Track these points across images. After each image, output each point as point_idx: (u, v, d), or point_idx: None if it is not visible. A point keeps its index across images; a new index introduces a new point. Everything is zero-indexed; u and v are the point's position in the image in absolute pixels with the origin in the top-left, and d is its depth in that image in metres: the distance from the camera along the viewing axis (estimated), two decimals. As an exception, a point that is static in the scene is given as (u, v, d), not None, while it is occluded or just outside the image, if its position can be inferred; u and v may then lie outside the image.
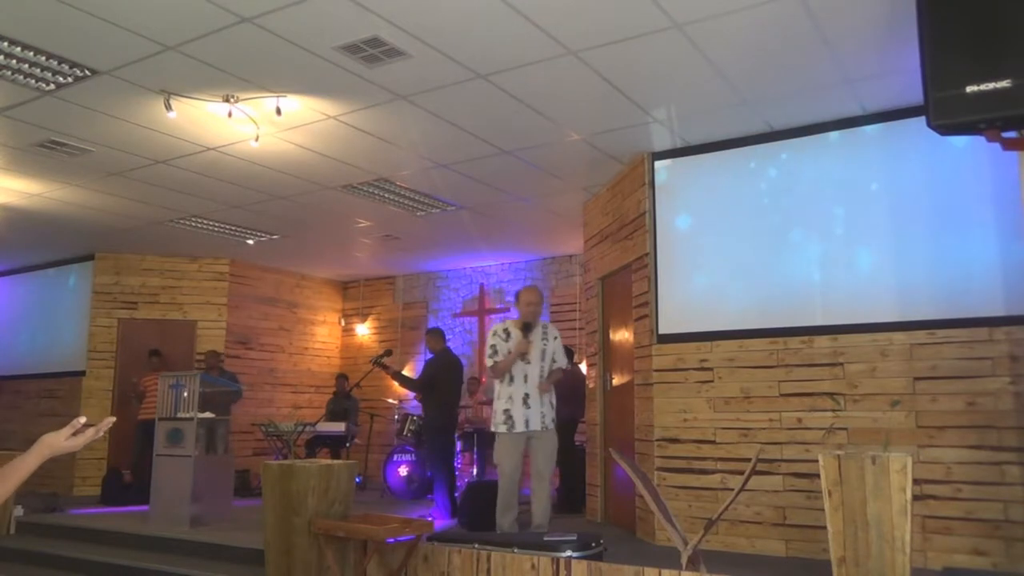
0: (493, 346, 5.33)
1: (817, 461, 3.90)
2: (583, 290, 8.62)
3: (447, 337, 7.93)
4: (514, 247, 9.74)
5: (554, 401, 5.42)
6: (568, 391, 7.02)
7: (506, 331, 5.37)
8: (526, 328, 5.33)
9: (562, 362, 5.50)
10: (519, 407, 5.21)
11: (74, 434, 1.93)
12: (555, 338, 5.46)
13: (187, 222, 8.36)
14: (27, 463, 1.89)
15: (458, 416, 8.00)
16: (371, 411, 10.09)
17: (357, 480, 7.34)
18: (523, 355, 5.26)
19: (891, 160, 5.26)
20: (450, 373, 7.43)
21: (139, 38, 4.36)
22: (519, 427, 5.19)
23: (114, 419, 2.08)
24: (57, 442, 1.92)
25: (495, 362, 5.30)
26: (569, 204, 7.69)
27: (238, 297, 10.40)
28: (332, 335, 11.95)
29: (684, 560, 3.71)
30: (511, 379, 5.27)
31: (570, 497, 7.52)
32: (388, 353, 8.55)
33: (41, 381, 10.16)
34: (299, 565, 4.39)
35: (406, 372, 9.88)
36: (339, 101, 5.24)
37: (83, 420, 1.96)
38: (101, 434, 1.96)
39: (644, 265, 6.12)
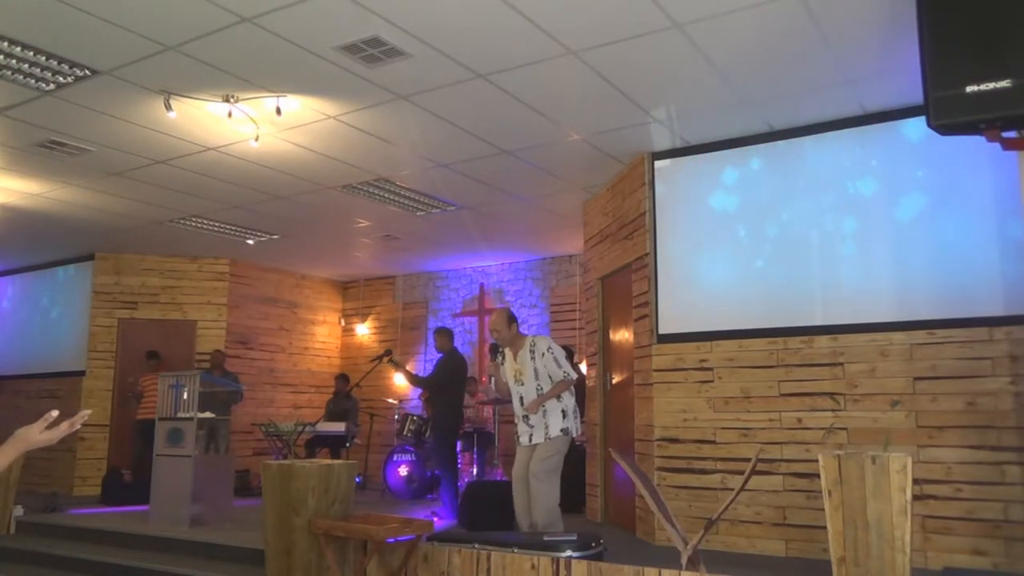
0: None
1: (817, 461, 3.90)
2: (583, 290, 8.61)
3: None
4: (514, 247, 9.74)
5: (567, 409, 5.15)
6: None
7: (502, 353, 5.46)
8: (492, 351, 5.58)
9: (557, 374, 5.12)
10: (522, 424, 5.26)
11: (48, 427, 1.95)
12: (543, 354, 5.15)
13: (187, 222, 8.36)
14: (3, 456, 1.92)
15: (463, 416, 8.00)
16: (371, 411, 10.10)
17: (357, 480, 7.33)
18: (517, 375, 5.26)
19: (891, 160, 5.26)
20: (459, 373, 7.45)
21: (139, 38, 4.36)
22: (523, 441, 5.24)
23: (89, 412, 2.10)
24: (32, 435, 1.94)
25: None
26: (569, 204, 7.69)
27: (238, 297, 10.39)
28: (332, 335, 11.95)
29: (684, 560, 3.70)
30: (513, 401, 5.37)
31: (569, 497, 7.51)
32: (388, 353, 8.55)
33: (41, 381, 10.16)
34: (299, 565, 4.39)
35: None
36: (339, 101, 5.24)
37: (56, 413, 1.98)
38: (76, 427, 1.98)
39: (644, 265, 6.12)
